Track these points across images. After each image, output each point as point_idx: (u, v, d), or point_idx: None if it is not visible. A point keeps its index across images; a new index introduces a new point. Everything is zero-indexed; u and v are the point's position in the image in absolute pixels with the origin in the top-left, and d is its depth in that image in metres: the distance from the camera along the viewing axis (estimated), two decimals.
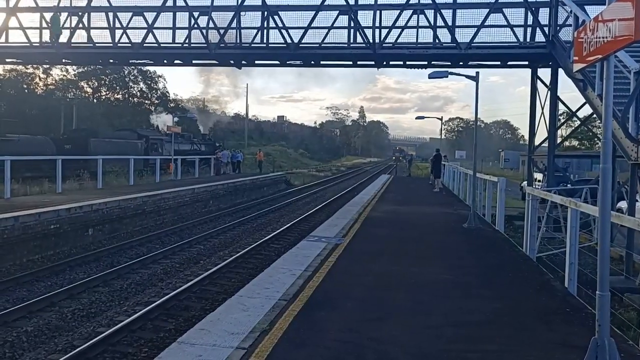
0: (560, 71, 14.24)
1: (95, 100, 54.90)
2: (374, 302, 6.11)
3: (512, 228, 15.61)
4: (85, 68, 49.78)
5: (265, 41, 15.95)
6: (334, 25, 15.37)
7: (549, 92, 15.10)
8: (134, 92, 58.11)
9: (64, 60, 20.45)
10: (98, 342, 6.63)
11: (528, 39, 14.87)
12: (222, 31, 15.88)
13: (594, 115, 13.72)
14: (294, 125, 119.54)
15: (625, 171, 12.71)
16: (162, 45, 16.54)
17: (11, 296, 8.88)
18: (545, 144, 16.06)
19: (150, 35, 16.13)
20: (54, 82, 51.40)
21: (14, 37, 17.61)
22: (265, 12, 15.64)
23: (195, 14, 15.94)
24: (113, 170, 23.92)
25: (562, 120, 25.12)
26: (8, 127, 25.14)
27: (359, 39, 15.33)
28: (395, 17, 15.03)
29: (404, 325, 5.31)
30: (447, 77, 13.59)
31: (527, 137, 17.88)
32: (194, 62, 18.35)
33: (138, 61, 20.63)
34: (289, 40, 15.41)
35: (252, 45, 16.17)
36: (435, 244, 10.32)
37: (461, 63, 15.94)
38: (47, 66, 45.87)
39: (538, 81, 16.02)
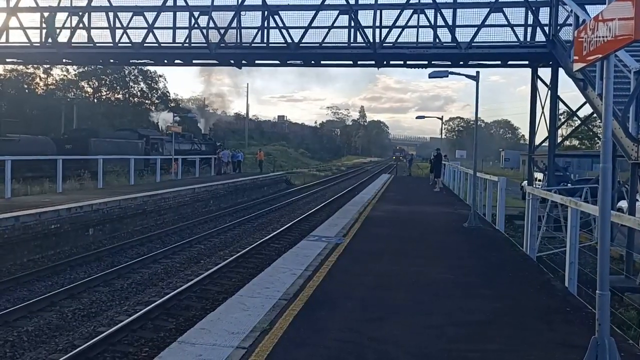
0: (561, 70, 14.24)
1: (95, 100, 54.91)
2: (374, 302, 6.11)
3: (512, 227, 15.62)
4: (86, 68, 49.78)
5: (265, 41, 15.95)
6: (334, 25, 15.37)
7: (550, 91, 15.10)
8: (135, 92, 58.11)
9: (64, 60, 20.47)
10: (99, 341, 6.63)
11: (528, 39, 14.88)
12: (222, 31, 15.88)
13: (594, 115, 13.73)
14: (295, 125, 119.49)
15: (626, 170, 12.71)
16: (162, 45, 16.55)
17: (12, 296, 8.89)
18: (546, 144, 16.07)
19: (151, 35, 16.14)
20: (54, 82, 51.45)
21: (15, 37, 17.65)
22: (266, 12, 15.65)
23: (196, 13, 15.95)
24: (114, 170, 23.95)
25: (563, 120, 25.13)
26: (9, 127, 25.09)
27: (359, 39, 15.33)
28: (395, 17, 15.04)
29: (404, 325, 5.31)
30: (447, 76, 13.60)
31: (527, 136, 17.89)
32: (194, 62, 18.36)
33: (138, 61, 20.64)
34: (289, 40, 15.42)
35: (253, 45, 16.17)
36: (436, 243, 10.32)
37: (461, 63, 15.94)
38: (48, 66, 45.87)
39: (538, 81, 16.03)
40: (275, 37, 15.77)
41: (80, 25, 16.61)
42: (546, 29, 14.27)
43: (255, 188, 28.03)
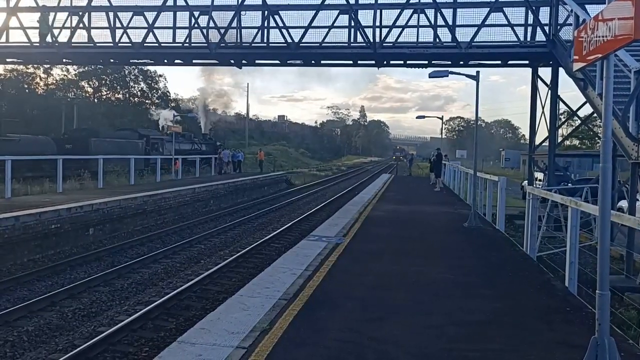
0: (561, 70, 14.24)
1: (96, 100, 54.91)
2: (374, 302, 6.10)
3: (512, 227, 15.62)
4: (86, 68, 49.78)
5: (265, 41, 15.97)
6: (334, 24, 15.39)
7: (550, 91, 15.10)
8: (135, 91, 58.13)
9: (64, 60, 20.49)
10: (99, 341, 6.63)
11: (528, 38, 14.89)
12: (222, 31, 15.89)
13: (595, 115, 13.73)
14: (295, 125, 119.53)
15: (626, 170, 12.71)
16: (162, 44, 16.56)
17: (12, 296, 8.89)
18: (546, 143, 16.07)
19: (151, 34, 16.16)
20: (54, 82, 51.45)
21: (15, 37, 17.67)
22: (266, 12, 15.65)
23: (196, 13, 15.96)
24: (114, 169, 23.95)
25: (563, 120, 25.09)
26: (9, 127, 25.10)
27: (360, 39, 15.34)
28: (395, 17, 15.05)
29: (404, 325, 5.30)
30: (447, 76, 13.57)
31: (527, 136, 17.89)
32: (194, 61, 18.37)
33: (139, 61, 20.66)
34: (289, 40, 15.42)
35: (253, 44, 16.18)
36: (436, 243, 10.32)
37: (462, 62, 15.94)
38: (48, 66, 45.88)
39: (539, 80, 16.03)
40: (275, 37, 15.81)
41: (81, 25, 16.63)
42: (546, 28, 14.27)
43: (255, 188, 28.03)
